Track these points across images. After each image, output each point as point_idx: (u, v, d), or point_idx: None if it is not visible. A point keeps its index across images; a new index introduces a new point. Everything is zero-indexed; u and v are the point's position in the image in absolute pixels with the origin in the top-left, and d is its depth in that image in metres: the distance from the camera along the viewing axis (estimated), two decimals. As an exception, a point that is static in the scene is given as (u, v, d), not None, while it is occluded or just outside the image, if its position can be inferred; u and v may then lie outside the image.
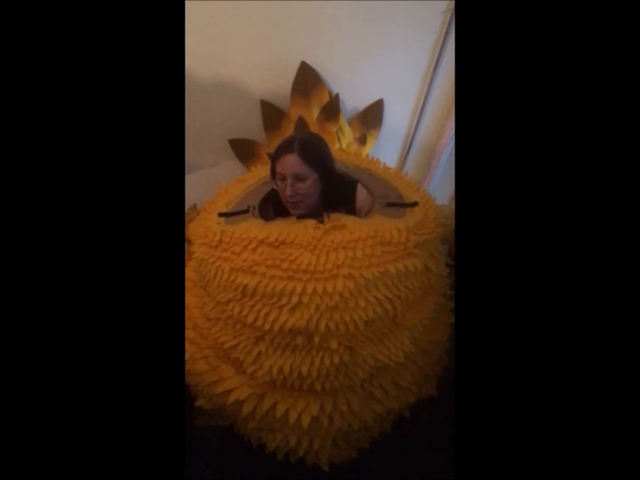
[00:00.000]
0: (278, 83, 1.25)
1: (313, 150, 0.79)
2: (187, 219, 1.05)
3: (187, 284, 0.90)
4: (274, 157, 0.81)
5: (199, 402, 0.84)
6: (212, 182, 1.08)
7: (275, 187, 0.83)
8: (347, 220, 0.73)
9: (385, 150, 1.39)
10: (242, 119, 1.31)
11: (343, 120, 1.29)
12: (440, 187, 1.43)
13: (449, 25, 1.10)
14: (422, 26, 1.12)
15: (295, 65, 1.22)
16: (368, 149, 1.32)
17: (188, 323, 0.86)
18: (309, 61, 1.21)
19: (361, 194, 0.87)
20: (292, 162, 0.77)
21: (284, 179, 0.80)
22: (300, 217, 0.77)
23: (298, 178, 0.79)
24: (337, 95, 1.26)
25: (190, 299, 0.88)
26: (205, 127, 1.32)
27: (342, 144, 1.31)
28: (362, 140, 1.32)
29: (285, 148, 0.78)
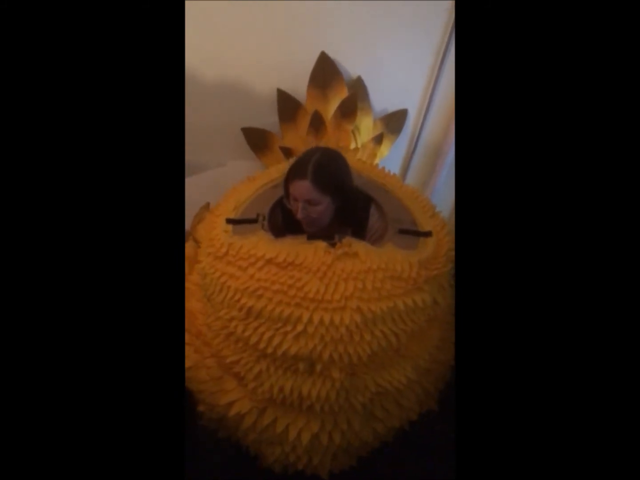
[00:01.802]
0: (282, 82, 1.22)
1: (327, 177, 0.76)
2: (196, 219, 1.03)
3: (193, 288, 0.89)
4: (287, 178, 0.78)
5: (201, 408, 0.85)
6: (216, 183, 1.07)
7: (288, 205, 0.81)
8: (358, 247, 0.71)
9: (390, 149, 1.35)
10: (246, 119, 1.28)
11: (360, 118, 1.24)
12: (446, 187, 1.40)
13: (454, 24, 1.05)
14: (427, 25, 1.10)
15: (298, 66, 1.18)
16: (384, 152, 1.28)
17: (191, 329, 0.86)
18: (313, 59, 1.16)
19: (374, 216, 0.85)
20: (304, 189, 0.75)
21: (296, 200, 0.77)
22: (310, 237, 0.75)
23: (310, 203, 0.76)
24: (354, 94, 1.20)
25: (195, 304, 0.87)
26: (209, 128, 1.29)
27: (357, 142, 1.27)
28: (379, 140, 1.28)
29: (298, 173, 0.75)
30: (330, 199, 0.77)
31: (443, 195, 1.36)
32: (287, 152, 1.26)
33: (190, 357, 0.83)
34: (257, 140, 1.30)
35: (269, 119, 1.29)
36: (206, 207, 1.15)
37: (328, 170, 0.77)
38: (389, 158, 1.33)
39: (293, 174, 0.77)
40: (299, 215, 0.77)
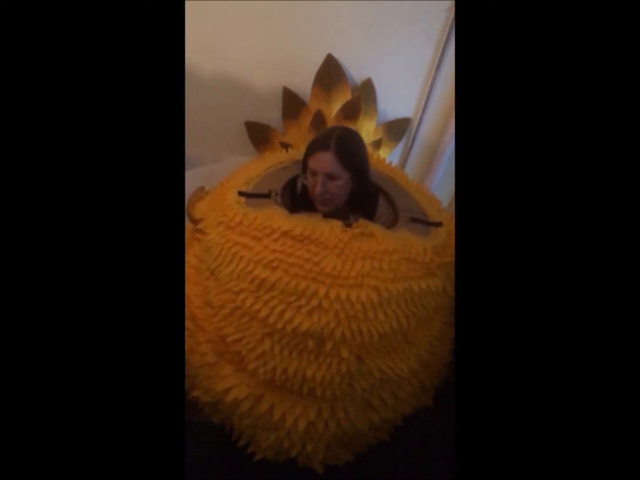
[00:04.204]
0: (281, 79, 1.24)
1: (349, 150, 0.77)
2: (194, 198, 1.00)
3: (189, 271, 0.85)
4: (308, 151, 0.78)
5: (196, 393, 0.80)
6: (213, 177, 1.05)
7: (305, 181, 0.80)
8: (374, 228, 0.72)
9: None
10: (244, 115, 1.29)
11: (363, 122, 1.27)
12: (443, 185, 1.42)
13: (453, 22, 1.10)
14: (426, 23, 1.13)
15: (297, 61, 1.21)
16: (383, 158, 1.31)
17: (186, 313, 0.81)
18: (312, 57, 1.20)
19: (383, 206, 0.86)
20: (326, 161, 0.75)
21: (315, 174, 0.77)
22: (326, 215, 0.74)
23: (330, 177, 0.76)
24: (358, 96, 1.24)
25: (190, 288, 0.83)
26: (206, 123, 1.29)
27: (356, 145, 1.30)
28: (377, 145, 1.31)
29: (321, 144, 0.76)
30: (349, 176, 0.78)
31: (439, 193, 1.38)
32: (287, 148, 1.26)
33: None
34: (259, 135, 1.30)
35: (267, 115, 1.30)
36: (201, 189, 1.12)
37: (350, 145, 0.78)
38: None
39: (315, 146, 0.77)
40: (318, 190, 0.76)
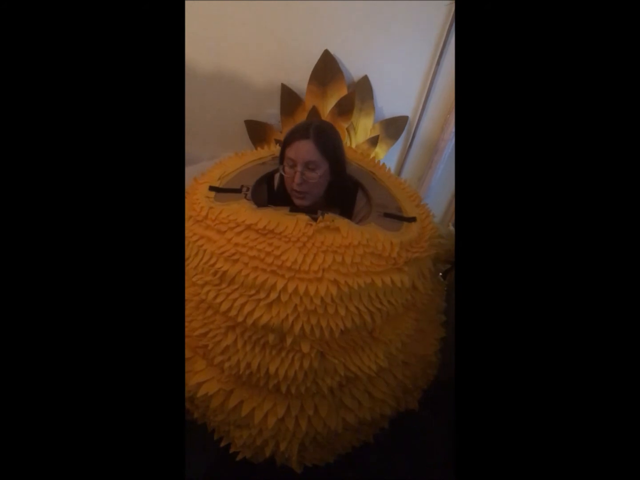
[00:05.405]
0: (280, 75, 1.24)
1: (328, 139, 0.77)
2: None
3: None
4: (286, 142, 0.77)
5: None
6: None
7: (282, 172, 0.80)
8: (340, 223, 0.70)
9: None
10: (243, 111, 1.30)
11: (359, 118, 1.26)
12: (443, 182, 1.39)
13: (453, 18, 1.08)
14: (426, 19, 1.11)
15: (296, 58, 1.21)
16: (380, 155, 1.29)
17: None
18: (311, 53, 1.19)
19: (362, 201, 0.84)
20: (306, 149, 0.74)
21: (294, 165, 0.76)
22: (292, 209, 0.74)
23: (309, 166, 0.76)
24: (353, 92, 1.22)
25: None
26: (205, 120, 1.31)
27: (351, 142, 1.28)
28: (374, 142, 1.29)
29: (299, 133, 0.75)
30: (328, 166, 0.77)
31: (439, 190, 1.36)
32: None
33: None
34: (258, 133, 1.31)
35: (265, 112, 1.30)
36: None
37: (328, 134, 0.78)
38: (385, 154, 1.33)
39: (294, 136, 0.76)
40: (296, 180, 0.75)
